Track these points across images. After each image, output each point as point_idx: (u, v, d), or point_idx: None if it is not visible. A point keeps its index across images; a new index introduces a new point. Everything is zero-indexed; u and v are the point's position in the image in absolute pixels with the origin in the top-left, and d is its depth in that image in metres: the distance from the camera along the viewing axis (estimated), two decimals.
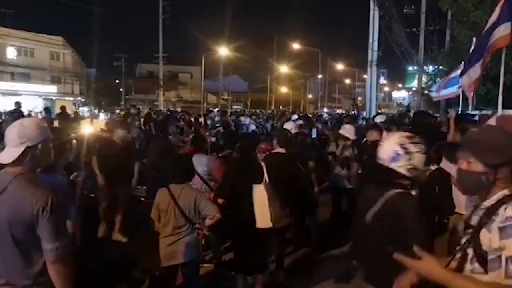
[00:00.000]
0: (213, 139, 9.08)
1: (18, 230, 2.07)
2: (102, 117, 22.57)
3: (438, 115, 13.04)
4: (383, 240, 2.29)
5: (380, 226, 2.34)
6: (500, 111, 6.43)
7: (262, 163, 4.19)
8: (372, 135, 5.54)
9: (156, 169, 6.54)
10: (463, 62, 9.90)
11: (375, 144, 3.49)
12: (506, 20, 5.88)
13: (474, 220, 1.69)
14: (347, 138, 6.14)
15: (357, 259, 2.67)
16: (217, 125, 9.50)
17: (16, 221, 2.06)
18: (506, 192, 1.64)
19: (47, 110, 15.02)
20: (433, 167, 3.50)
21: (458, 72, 10.46)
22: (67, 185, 3.35)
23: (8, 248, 2.09)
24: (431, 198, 3.43)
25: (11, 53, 36.66)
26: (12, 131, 2.14)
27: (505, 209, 1.57)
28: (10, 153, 2.11)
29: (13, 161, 2.10)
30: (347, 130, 6.25)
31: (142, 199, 7.13)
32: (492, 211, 1.61)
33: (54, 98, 37.22)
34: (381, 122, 8.02)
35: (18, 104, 12.65)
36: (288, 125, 6.52)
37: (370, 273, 2.45)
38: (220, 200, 4.03)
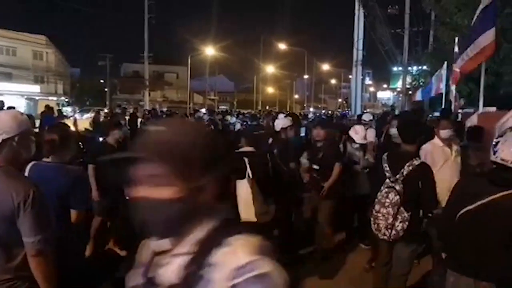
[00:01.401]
0: None
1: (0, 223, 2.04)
2: (86, 116, 22.25)
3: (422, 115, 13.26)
4: (493, 237, 2.41)
5: (492, 223, 2.41)
6: (481, 108, 6.63)
7: (245, 158, 4.19)
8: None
9: None
10: (445, 63, 10.10)
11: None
12: (489, 26, 5.88)
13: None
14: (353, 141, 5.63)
15: (448, 251, 2.77)
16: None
17: None
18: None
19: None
20: (416, 162, 3.54)
21: (442, 71, 10.68)
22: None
23: None
24: (414, 193, 3.48)
25: None
26: None
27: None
28: None
29: None
30: (358, 134, 5.58)
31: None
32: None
33: (37, 98, 36.65)
34: (369, 120, 8.05)
35: (1, 103, 12.48)
36: (278, 121, 6.45)
37: (473, 268, 2.52)
38: None
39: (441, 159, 4.45)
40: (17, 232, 2.06)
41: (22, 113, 2.34)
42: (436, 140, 4.57)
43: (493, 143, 2.48)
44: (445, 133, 4.48)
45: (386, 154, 3.78)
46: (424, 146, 4.49)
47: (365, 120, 7.80)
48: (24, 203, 2.03)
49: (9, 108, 11.27)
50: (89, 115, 21.75)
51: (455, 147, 4.62)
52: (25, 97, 36.00)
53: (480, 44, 6.01)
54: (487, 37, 5.85)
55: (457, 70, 7.09)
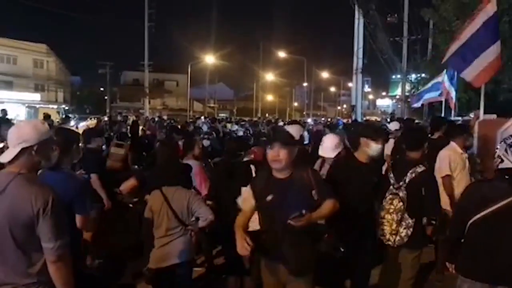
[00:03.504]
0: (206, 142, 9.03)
1: (18, 229, 2.10)
2: (82, 124, 22.23)
3: (420, 121, 13.39)
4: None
5: (509, 226, 2.50)
6: (481, 116, 6.71)
7: (252, 166, 4.24)
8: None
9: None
10: (445, 70, 10.21)
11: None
12: (495, 39, 5.85)
13: None
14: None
15: (462, 257, 2.78)
16: (205, 136, 9.47)
17: (16, 220, 2.09)
18: None
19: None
20: (419, 169, 3.59)
21: (439, 78, 10.78)
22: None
23: (8, 247, 2.11)
24: (417, 200, 3.54)
25: None
26: (12, 133, 2.24)
27: None
28: (9, 153, 2.20)
29: (11, 161, 2.18)
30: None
31: (131, 205, 7.10)
32: None
33: (37, 106, 36.71)
34: (396, 129, 7.16)
35: (4, 111, 12.65)
36: (291, 129, 6.15)
37: (489, 273, 2.58)
38: (209, 202, 4.07)
39: (459, 165, 4.56)
40: (37, 238, 2.12)
41: (43, 123, 2.42)
42: (455, 146, 4.69)
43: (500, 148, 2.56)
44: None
45: (392, 161, 3.85)
46: (442, 152, 4.59)
47: (390, 130, 7.25)
48: (43, 209, 2.09)
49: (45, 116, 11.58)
50: (86, 123, 21.78)
51: (465, 154, 4.76)
52: (26, 105, 36.05)
53: (488, 57, 5.97)
54: (494, 50, 5.89)
55: (469, 80, 6.78)
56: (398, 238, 3.57)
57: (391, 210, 3.59)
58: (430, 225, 3.59)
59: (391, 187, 3.65)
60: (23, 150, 2.18)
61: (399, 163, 3.80)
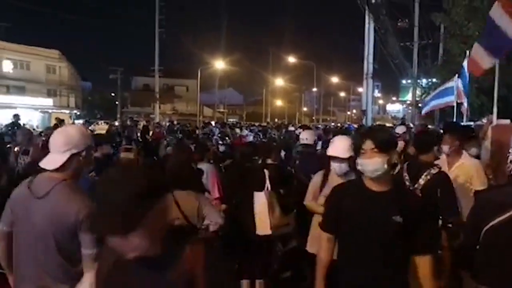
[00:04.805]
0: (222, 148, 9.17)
1: (61, 235, 2.10)
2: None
3: (433, 126, 13.28)
4: None
5: None
6: (495, 121, 6.60)
7: (265, 171, 4.24)
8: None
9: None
10: (456, 75, 10.11)
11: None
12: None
13: None
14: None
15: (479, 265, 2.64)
16: (219, 142, 9.59)
17: (60, 226, 2.09)
18: None
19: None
20: (433, 171, 3.58)
21: (452, 83, 10.68)
22: None
23: (49, 251, 2.11)
24: (433, 202, 3.50)
25: (7, 66, 36.66)
26: (58, 138, 2.18)
27: None
28: (55, 160, 2.14)
29: (57, 168, 2.14)
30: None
31: None
32: None
33: (50, 111, 37.16)
34: (403, 132, 7.65)
35: (16, 116, 12.79)
36: (305, 135, 6.04)
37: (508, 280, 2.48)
38: (223, 206, 4.08)
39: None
40: (77, 245, 2.11)
41: (87, 128, 2.41)
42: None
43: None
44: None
45: (406, 163, 3.83)
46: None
47: (398, 133, 7.54)
48: (87, 217, 2.10)
49: (57, 121, 11.68)
50: (92, 127, 21.94)
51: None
52: (39, 110, 36.51)
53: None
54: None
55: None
56: None
57: None
58: (446, 228, 3.54)
59: None
60: (72, 157, 2.15)
61: (412, 166, 3.79)
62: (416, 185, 3.58)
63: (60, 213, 2.08)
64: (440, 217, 3.55)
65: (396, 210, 2.25)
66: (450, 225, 3.49)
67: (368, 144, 2.28)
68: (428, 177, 3.54)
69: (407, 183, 3.65)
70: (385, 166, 2.25)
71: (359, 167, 2.33)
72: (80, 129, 2.32)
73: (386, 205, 2.28)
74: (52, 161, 2.14)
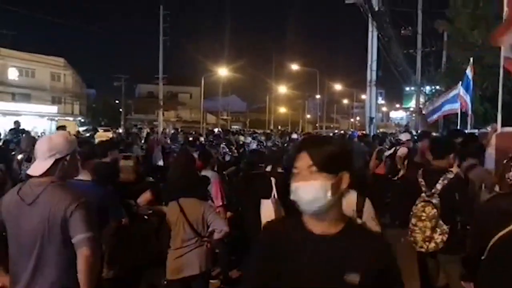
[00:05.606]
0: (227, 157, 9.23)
1: (56, 234, 2.16)
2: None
3: (437, 134, 13.23)
4: None
5: None
6: (499, 128, 6.58)
7: (272, 179, 4.24)
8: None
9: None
10: (460, 83, 10.11)
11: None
12: None
13: None
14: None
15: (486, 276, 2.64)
16: (224, 151, 9.70)
17: (54, 225, 2.15)
18: None
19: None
20: (450, 175, 3.61)
21: (455, 91, 10.66)
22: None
23: (47, 252, 2.17)
24: (451, 206, 3.55)
25: (12, 74, 36.93)
26: (42, 145, 2.28)
27: None
28: (40, 166, 2.23)
29: (43, 173, 2.23)
30: None
31: (146, 217, 7.13)
32: None
33: (56, 118, 37.36)
34: (407, 139, 7.78)
35: (17, 123, 13.03)
36: None
37: None
38: (228, 214, 4.09)
39: None
40: (71, 245, 2.17)
41: (71, 134, 2.50)
42: None
43: None
44: None
45: (421, 169, 3.85)
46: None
47: (402, 140, 7.83)
48: (75, 207, 2.15)
49: (59, 128, 11.88)
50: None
51: None
52: (46, 118, 36.68)
53: None
54: None
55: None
56: (432, 244, 3.59)
57: (423, 217, 3.62)
58: (466, 230, 3.54)
59: (422, 194, 3.69)
60: (56, 162, 2.24)
61: (428, 171, 3.81)
62: (433, 190, 3.63)
63: (52, 212, 2.15)
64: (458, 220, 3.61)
65: (351, 264, 1.51)
66: (468, 228, 3.48)
67: (304, 160, 1.53)
68: (445, 181, 3.59)
69: (423, 188, 3.69)
70: (328, 194, 1.50)
71: (291, 196, 1.57)
72: (64, 136, 2.40)
73: (336, 256, 1.53)
74: (38, 167, 2.23)
